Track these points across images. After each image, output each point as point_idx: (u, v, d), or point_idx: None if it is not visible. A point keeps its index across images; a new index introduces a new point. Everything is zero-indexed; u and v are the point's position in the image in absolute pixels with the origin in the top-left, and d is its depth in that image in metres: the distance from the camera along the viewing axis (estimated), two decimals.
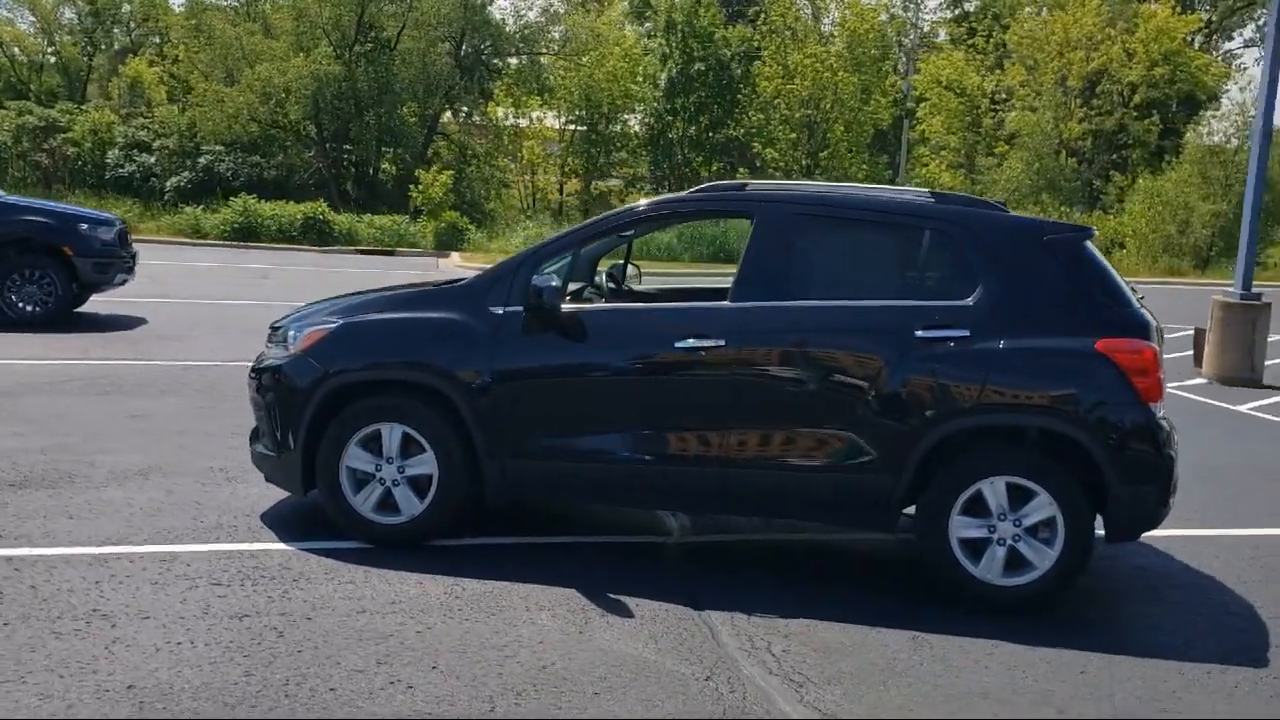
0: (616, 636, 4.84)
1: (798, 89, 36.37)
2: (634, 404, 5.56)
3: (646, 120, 37.35)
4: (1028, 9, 40.07)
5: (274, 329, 6.24)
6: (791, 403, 5.41)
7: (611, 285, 6.93)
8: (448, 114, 38.29)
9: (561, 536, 6.13)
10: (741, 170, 38.69)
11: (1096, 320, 5.29)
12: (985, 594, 5.27)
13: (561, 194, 38.67)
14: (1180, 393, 11.84)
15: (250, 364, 6.32)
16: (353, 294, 6.55)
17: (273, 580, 5.26)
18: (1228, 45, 45.74)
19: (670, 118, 36.62)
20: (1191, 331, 14.15)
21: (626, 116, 38.05)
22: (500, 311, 5.67)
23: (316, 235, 27.17)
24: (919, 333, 5.30)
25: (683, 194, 6.18)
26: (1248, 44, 49.45)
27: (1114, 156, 35.42)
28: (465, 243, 27.52)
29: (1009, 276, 5.34)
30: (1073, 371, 5.22)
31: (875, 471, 5.32)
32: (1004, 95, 36.73)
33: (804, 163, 37.51)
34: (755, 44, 36.22)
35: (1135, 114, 35.43)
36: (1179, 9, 35.92)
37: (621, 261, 7.18)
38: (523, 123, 37.81)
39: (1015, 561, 5.25)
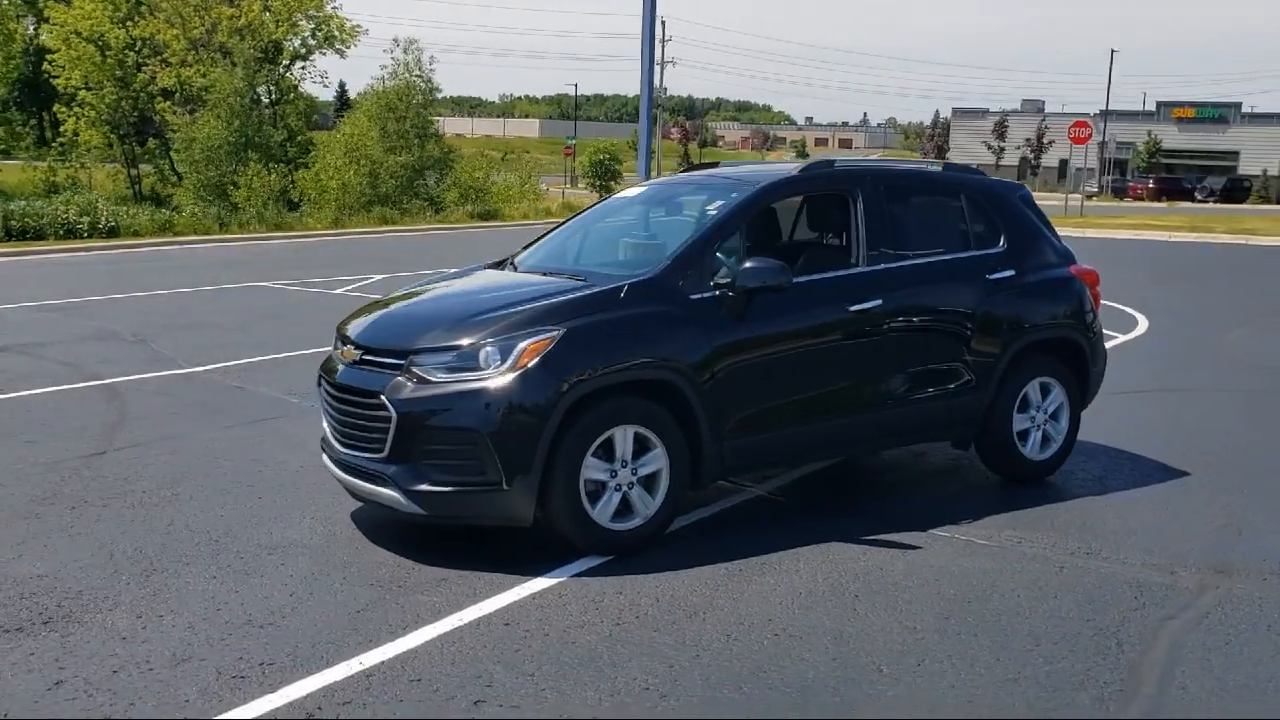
0: (975, 562, 5.52)
1: None
2: (828, 366, 6.02)
3: None
4: None
5: (426, 351, 5.29)
6: (926, 345, 6.40)
7: None
8: None
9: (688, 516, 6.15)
10: None
11: (1058, 253, 7.15)
12: (1029, 470, 6.89)
13: None
14: None
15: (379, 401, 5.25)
16: (465, 295, 5.90)
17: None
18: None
19: None
20: None
21: None
22: (703, 297, 5.65)
23: None
24: (989, 276, 6.64)
25: (795, 174, 6.50)
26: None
27: (272, 111, 36.20)
28: None
29: (1014, 226, 6.92)
30: (1069, 294, 7.01)
31: (974, 392, 6.55)
32: (152, 50, 35.09)
33: None
34: None
35: (286, 68, 36.63)
36: None
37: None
38: None
39: (1045, 440, 6.94)
